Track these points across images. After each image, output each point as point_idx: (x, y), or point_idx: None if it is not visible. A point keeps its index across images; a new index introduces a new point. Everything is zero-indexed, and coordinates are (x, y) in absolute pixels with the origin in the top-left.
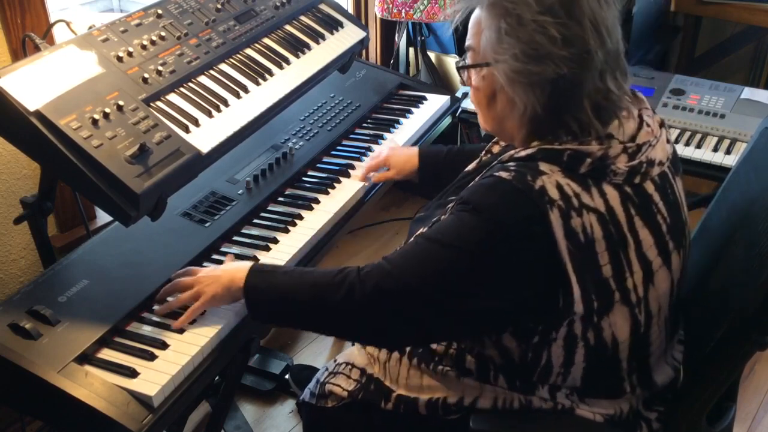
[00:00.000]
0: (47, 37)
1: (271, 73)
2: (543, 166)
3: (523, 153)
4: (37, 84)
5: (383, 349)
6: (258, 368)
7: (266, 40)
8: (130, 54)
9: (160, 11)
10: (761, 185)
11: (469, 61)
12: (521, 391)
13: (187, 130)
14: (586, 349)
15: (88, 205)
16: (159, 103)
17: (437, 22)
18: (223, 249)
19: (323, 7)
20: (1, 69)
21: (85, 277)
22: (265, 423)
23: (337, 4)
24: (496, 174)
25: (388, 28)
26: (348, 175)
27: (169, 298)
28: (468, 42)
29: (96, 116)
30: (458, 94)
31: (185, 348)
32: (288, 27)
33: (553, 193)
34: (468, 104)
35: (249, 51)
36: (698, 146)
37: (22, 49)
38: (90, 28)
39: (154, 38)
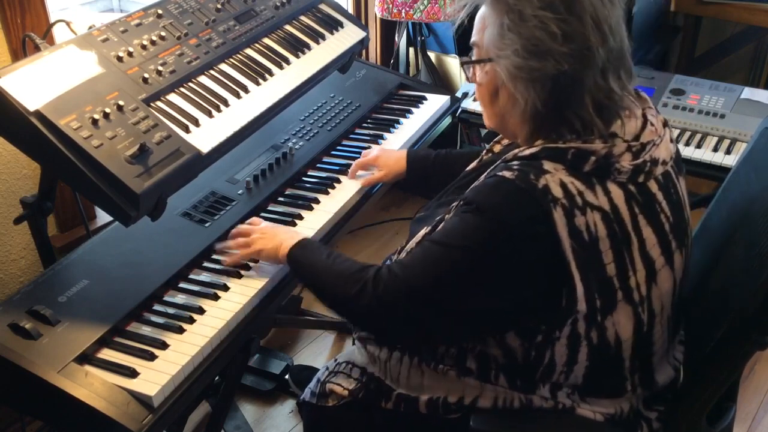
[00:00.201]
0: (47, 37)
1: (271, 73)
2: (547, 165)
3: (527, 152)
4: (37, 84)
5: (383, 348)
6: (258, 368)
7: (266, 40)
8: (130, 54)
9: (160, 11)
10: (761, 185)
11: (473, 57)
12: (522, 390)
13: (187, 130)
14: (590, 347)
15: (88, 205)
16: (159, 103)
17: (437, 22)
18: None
19: (323, 7)
20: (1, 69)
21: (85, 277)
22: (265, 423)
23: (337, 4)
24: (500, 174)
25: (388, 28)
26: (348, 175)
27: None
28: (473, 38)
29: (96, 116)
30: (458, 94)
31: (185, 348)
32: (288, 27)
33: (557, 192)
34: (468, 104)
35: (249, 51)
36: (698, 146)
37: (22, 49)
38: (90, 28)
39: (154, 38)
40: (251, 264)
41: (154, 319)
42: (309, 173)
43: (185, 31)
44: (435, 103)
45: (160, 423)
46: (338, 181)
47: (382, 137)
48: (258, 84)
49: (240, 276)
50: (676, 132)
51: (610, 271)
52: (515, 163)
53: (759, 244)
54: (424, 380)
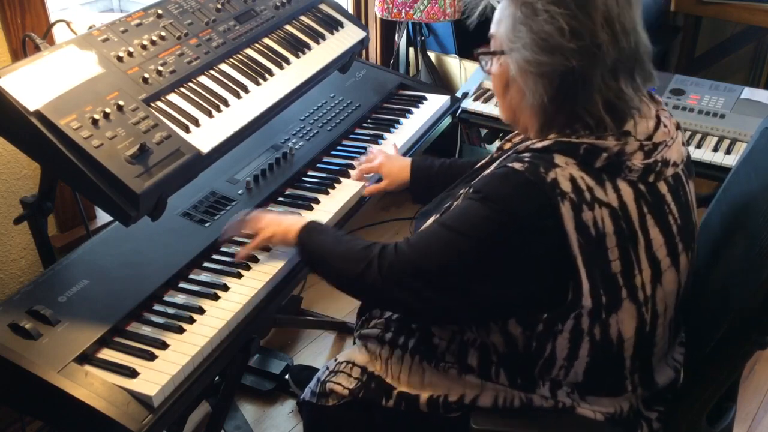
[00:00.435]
0: (47, 37)
1: (271, 73)
2: (558, 159)
3: (539, 144)
4: (37, 84)
5: (385, 346)
6: (258, 368)
7: (266, 40)
8: (130, 54)
9: (160, 11)
10: (761, 185)
11: (490, 48)
12: (522, 389)
13: (187, 130)
14: (592, 344)
15: (88, 205)
16: (159, 103)
17: (437, 22)
18: (223, 249)
19: (323, 7)
20: (1, 69)
21: (85, 277)
22: (265, 423)
23: (337, 4)
24: (510, 165)
25: (388, 28)
26: (348, 175)
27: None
28: (491, 30)
29: (96, 116)
30: (458, 94)
31: (185, 348)
32: (288, 27)
33: (565, 186)
34: (468, 104)
35: (249, 51)
36: (698, 146)
37: (22, 49)
38: (90, 28)
39: (154, 38)
40: (251, 264)
41: (154, 319)
42: (309, 173)
43: (185, 31)
44: (435, 103)
45: (160, 423)
46: (338, 181)
47: (382, 137)
48: (258, 84)
49: (240, 276)
50: None
51: (615, 267)
52: (526, 155)
53: (759, 244)
54: (425, 378)
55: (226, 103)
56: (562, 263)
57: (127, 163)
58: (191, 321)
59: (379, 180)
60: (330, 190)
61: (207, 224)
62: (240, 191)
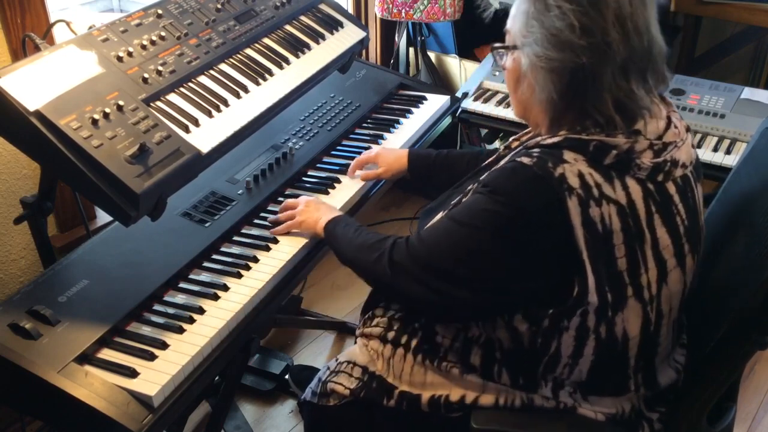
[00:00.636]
0: (47, 37)
1: (271, 73)
2: (567, 155)
3: (549, 140)
4: (37, 84)
5: (387, 345)
6: (258, 368)
7: (266, 40)
8: (130, 54)
9: (160, 11)
10: (761, 185)
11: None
12: (524, 389)
13: (187, 130)
14: (597, 342)
15: (88, 205)
16: (159, 103)
17: (437, 22)
18: (223, 249)
19: (323, 7)
20: (1, 69)
21: (85, 277)
22: (265, 423)
23: (337, 4)
24: (518, 159)
25: (388, 28)
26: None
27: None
28: (507, 25)
29: (96, 116)
30: (458, 94)
31: (185, 348)
32: (288, 27)
33: (573, 182)
34: (468, 104)
35: (249, 51)
36: (698, 146)
37: (22, 49)
38: (90, 28)
39: (154, 38)
40: (251, 264)
41: (154, 319)
42: (309, 173)
43: (185, 31)
44: (435, 103)
45: (160, 423)
46: (338, 181)
47: (382, 137)
48: (258, 84)
49: (240, 276)
50: None
51: (621, 265)
52: (536, 150)
53: (759, 244)
54: (426, 378)
55: (226, 103)
56: (569, 258)
57: (127, 163)
58: (191, 321)
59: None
60: (330, 190)
61: (207, 224)
62: (240, 191)
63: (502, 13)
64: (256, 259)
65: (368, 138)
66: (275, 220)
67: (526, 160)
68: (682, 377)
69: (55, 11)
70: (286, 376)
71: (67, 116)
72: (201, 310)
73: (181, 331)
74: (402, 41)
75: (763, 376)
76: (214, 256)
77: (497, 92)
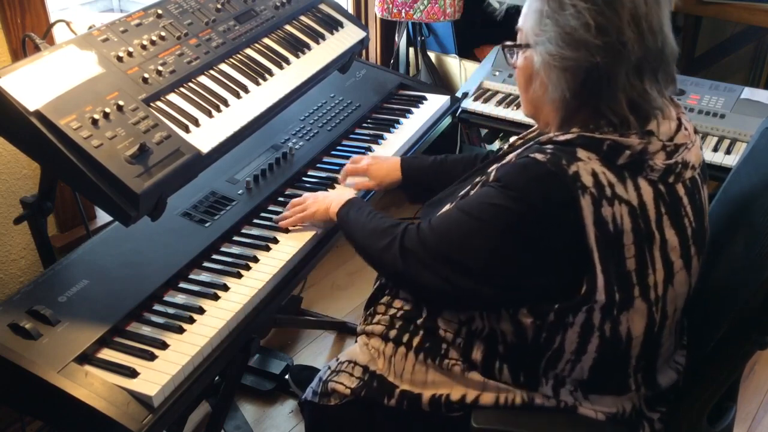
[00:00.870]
0: (47, 37)
1: (271, 73)
2: (581, 153)
3: (562, 137)
4: (37, 84)
5: (389, 343)
6: (258, 368)
7: (266, 40)
8: (130, 54)
9: (160, 11)
10: (762, 185)
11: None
12: (525, 387)
13: (187, 130)
14: (601, 339)
15: (88, 205)
16: (159, 103)
17: (437, 22)
18: (223, 249)
19: (323, 7)
20: (1, 69)
21: (85, 277)
22: (265, 423)
23: (337, 4)
24: (532, 155)
25: (388, 28)
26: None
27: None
28: (518, 23)
29: (96, 116)
30: (458, 94)
31: (185, 348)
32: (288, 27)
33: (587, 180)
34: (468, 104)
35: (249, 51)
36: None
37: (22, 49)
38: (90, 28)
39: (154, 38)
40: (251, 264)
41: (154, 319)
42: (309, 173)
43: (185, 31)
44: (435, 103)
45: (160, 423)
46: (338, 181)
47: (382, 137)
48: (258, 84)
49: (240, 276)
50: None
51: (630, 265)
52: (549, 146)
53: (759, 244)
54: (428, 376)
55: (226, 103)
56: (579, 256)
57: (127, 163)
58: (191, 321)
59: None
60: (330, 190)
61: (207, 224)
62: (240, 191)
63: (514, 10)
64: (256, 259)
65: (368, 138)
66: (284, 217)
67: (539, 156)
68: (683, 377)
69: (55, 11)
70: (286, 376)
71: (67, 116)
72: (201, 310)
73: (181, 331)
74: (402, 41)
75: (763, 376)
76: (214, 256)
77: (497, 92)
